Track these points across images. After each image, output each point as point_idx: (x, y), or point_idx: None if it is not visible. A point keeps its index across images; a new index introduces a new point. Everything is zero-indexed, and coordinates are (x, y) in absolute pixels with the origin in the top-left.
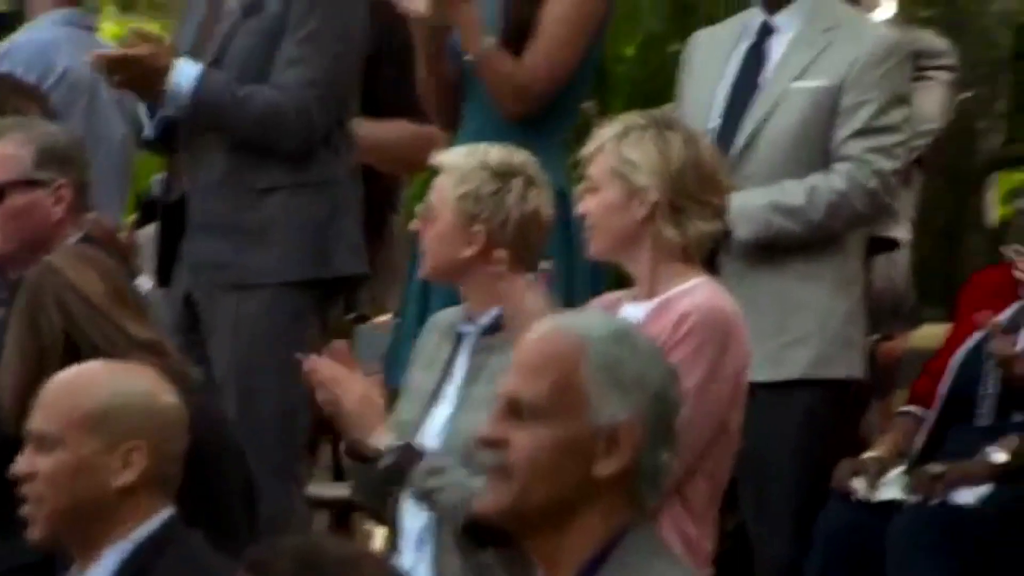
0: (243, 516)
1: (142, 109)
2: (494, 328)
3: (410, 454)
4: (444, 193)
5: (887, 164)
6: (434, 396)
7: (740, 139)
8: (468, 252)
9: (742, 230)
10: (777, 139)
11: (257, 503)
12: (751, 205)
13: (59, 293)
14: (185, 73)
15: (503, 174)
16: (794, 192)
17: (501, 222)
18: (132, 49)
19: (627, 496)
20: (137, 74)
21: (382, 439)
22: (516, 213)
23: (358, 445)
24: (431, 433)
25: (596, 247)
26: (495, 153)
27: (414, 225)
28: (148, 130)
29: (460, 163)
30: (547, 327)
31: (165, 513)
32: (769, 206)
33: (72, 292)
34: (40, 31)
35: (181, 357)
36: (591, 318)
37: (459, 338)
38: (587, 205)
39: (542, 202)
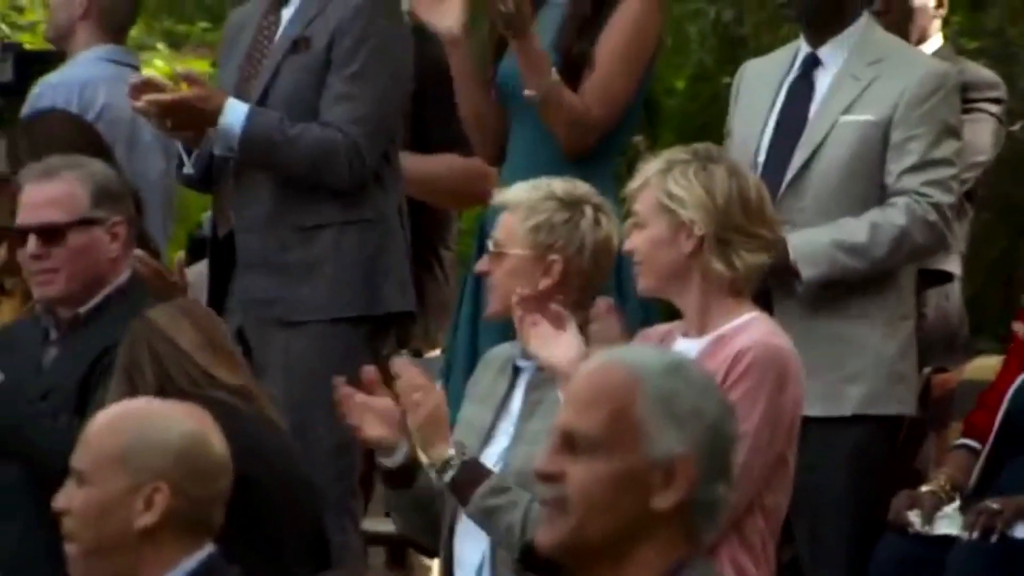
0: (304, 558)
1: (179, 145)
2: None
3: (476, 470)
4: (513, 228)
5: (944, 197)
6: (490, 431)
7: (789, 173)
8: (546, 283)
9: (808, 271)
10: (826, 173)
11: (326, 546)
12: (814, 245)
13: (152, 343)
14: (235, 112)
15: (572, 203)
16: (856, 229)
17: (577, 249)
18: (183, 93)
19: (684, 530)
20: (189, 117)
21: (449, 452)
22: (591, 240)
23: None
24: (487, 465)
25: (645, 283)
26: (559, 184)
27: (481, 265)
28: (188, 167)
29: (525, 196)
30: (600, 360)
31: (203, 553)
32: (832, 245)
33: (163, 341)
34: (79, 68)
35: (268, 403)
36: (644, 351)
37: (516, 373)
38: (634, 241)
39: (612, 229)
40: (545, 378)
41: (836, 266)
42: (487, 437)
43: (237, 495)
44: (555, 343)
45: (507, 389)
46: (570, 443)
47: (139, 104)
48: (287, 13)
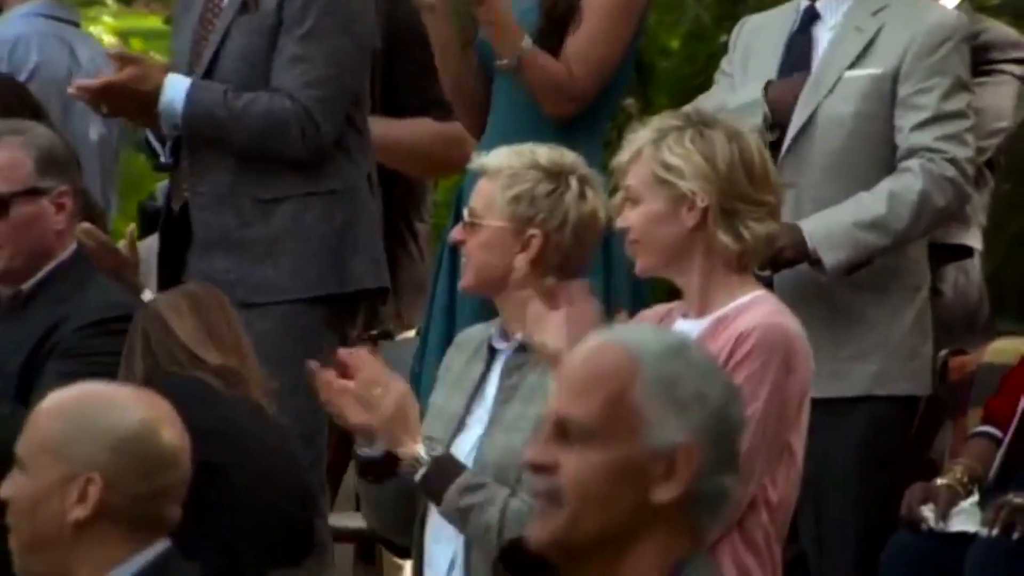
0: (264, 553)
1: (148, 134)
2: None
3: (448, 467)
4: (491, 197)
5: (960, 151)
6: (463, 418)
7: (790, 132)
8: (522, 258)
9: (830, 257)
10: (831, 131)
11: (301, 542)
12: (831, 227)
13: (146, 326)
14: (175, 89)
15: (557, 174)
16: (873, 203)
17: (559, 224)
18: (114, 77)
19: (686, 525)
20: (126, 100)
21: (417, 449)
22: (575, 214)
23: (375, 460)
24: (459, 455)
25: (643, 263)
26: (543, 152)
27: (456, 234)
28: (164, 157)
29: (507, 163)
30: (596, 342)
31: (153, 551)
32: (852, 225)
33: (156, 323)
34: (11, 24)
35: (259, 389)
36: (643, 331)
37: (492, 355)
38: (629, 218)
39: (599, 204)
40: (522, 361)
41: (860, 246)
42: (459, 424)
43: (198, 480)
44: (546, 324)
45: (482, 373)
46: (563, 431)
47: (71, 91)
48: None
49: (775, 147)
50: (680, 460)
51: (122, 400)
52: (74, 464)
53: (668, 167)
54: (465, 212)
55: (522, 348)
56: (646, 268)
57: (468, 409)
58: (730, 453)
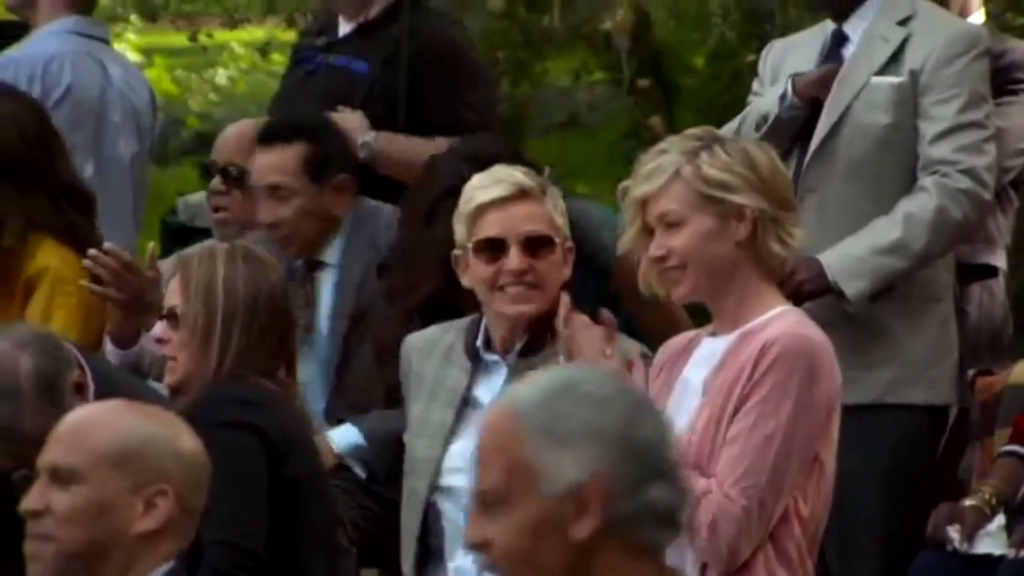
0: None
1: None
2: (528, 350)
3: None
4: (548, 216)
5: (979, 160)
6: (452, 429)
7: (815, 138)
8: (566, 271)
9: (851, 287)
10: (856, 138)
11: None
12: (850, 258)
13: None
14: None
15: (543, 187)
16: (889, 228)
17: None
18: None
19: (630, 546)
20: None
21: None
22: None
23: None
24: (456, 464)
25: (687, 287)
26: (519, 174)
27: (518, 264)
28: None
29: (525, 182)
30: (491, 410)
31: (166, 567)
32: (868, 252)
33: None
34: (44, 41)
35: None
36: (527, 384)
37: (476, 365)
38: (671, 243)
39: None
40: (529, 366)
41: (879, 272)
42: (450, 435)
43: (289, 497)
44: (601, 353)
45: (467, 382)
46: (483, 505)
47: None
48: None
49: (804, 142)
50: (587, 494)
51: (157, 415)
52: (142, 475)
53: (712, 183)
54: (512, 241)
55: (525, 353)
56: (690, 292)
57: (457, 420)
58: (650, 465)
